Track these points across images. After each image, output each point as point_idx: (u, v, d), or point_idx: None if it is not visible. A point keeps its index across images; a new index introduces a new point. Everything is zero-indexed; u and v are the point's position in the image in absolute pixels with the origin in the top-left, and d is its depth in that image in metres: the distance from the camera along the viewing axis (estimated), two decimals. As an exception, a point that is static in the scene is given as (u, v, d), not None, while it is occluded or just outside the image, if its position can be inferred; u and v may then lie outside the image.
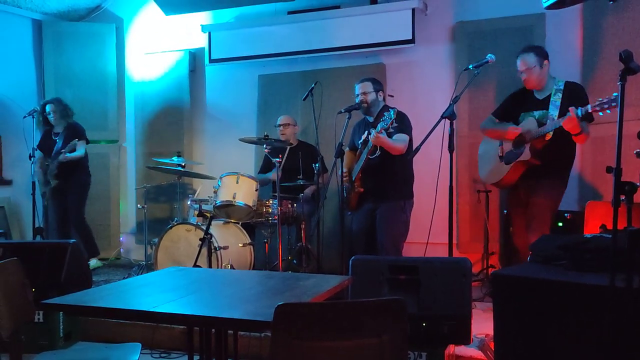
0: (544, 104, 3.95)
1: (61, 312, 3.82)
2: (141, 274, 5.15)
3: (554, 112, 3.83)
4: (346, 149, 4.62)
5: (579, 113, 3.55)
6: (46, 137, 5.85)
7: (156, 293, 2.36)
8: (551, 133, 3.78)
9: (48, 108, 5.77)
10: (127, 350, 2.52)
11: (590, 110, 3.48)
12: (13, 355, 2.35)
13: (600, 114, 3.44)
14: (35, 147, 5.79)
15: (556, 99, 3.87)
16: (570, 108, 3.58)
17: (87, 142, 5.87)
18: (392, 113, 3.96)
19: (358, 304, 1.85)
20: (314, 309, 1.78)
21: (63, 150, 5.52)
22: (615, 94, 3.33)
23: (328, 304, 1.80)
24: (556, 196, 3.98)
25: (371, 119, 4.43)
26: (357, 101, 4.43)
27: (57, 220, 5.85)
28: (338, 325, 1.73)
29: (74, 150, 5.56)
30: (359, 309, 1.78)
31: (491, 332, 2.87)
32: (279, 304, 1.69)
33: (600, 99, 3.40)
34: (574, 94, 3.85)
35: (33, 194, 5.54)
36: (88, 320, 4.12)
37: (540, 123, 3.88)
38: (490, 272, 4.76)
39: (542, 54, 4.02)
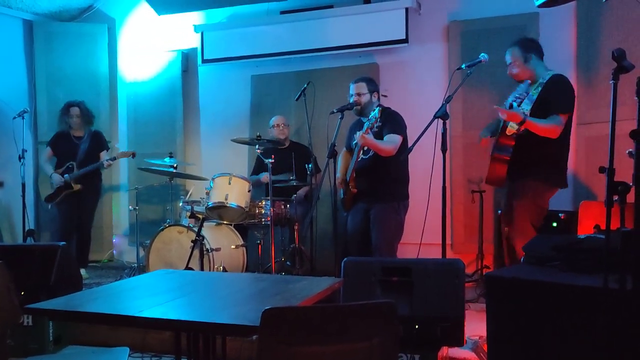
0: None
1: (50, 316, 3.77)
2: (133, 276, 5.11)
3: (526, 106, 3.70)
4: (343, 150, 4.59)
5: (507, 106, 3.63)
6: (64, 139, 5.78)
7: (144, 297, 2.32)
8: (514, 128, 3.66)
9: (74, 111, 5.74)
10: (115, 355, 2.48)
11: (511, 101, 3.57)
12: (-2, 360, 2.31)
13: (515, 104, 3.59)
14: (48, 145, 5.80)
15: (534, 93, 3.77)
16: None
17: (108, 150, 5.91)
18: (376, 112, 3.93)
19: (347, 307, 1.81)
20: (301, 313, 1.75)
21: (109, 162, 5.60)
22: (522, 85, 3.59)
23: (316, 307, 1.77)
24: (534, 196, 3.77)
25: (364, 119, 4.39)
26: (350, 101, 4.38)
27: (65, 225, 5.75)
28: (326, 329, 1.70)
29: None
30: (348, 312, 1.75)
31: (485, 333, 2.84)
32: (266, 308, 1.65)
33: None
34: (549, 88, 3.72)
35: (23, 196, 5.48)
36: (78, 324, 4.07)
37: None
38: (480, 274, 4.73)
39: (529, 48, 3.91)
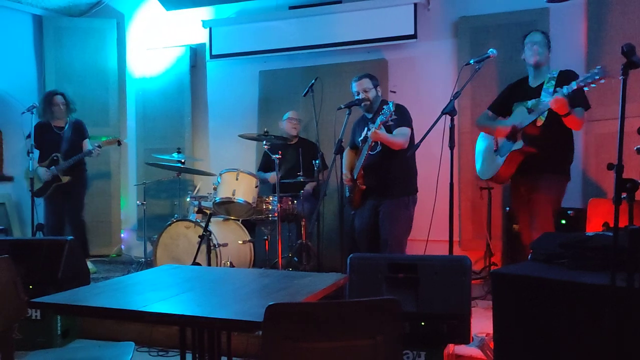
0: (537, 92, 3.88)
1: (58, 310, 3.79)
2: (140, 270, 5.12)
3: (546, 98, 3.73)
4: (347, 149, 4.57)
5: (565, 91, 3.49)
6: (46, 130, 5.70)
7: (148, 291, 2.32)
8: (543, 119, 3.71)
9: (58, 99, 5.67)
10: (121, 350, 2.48)
11: (575, 87, 3.43)
12: (4, 354, 2.31)
13: (586, 88, 3.41)
14: (29, 138, 5.67)
15: (549, 86, 3.80)
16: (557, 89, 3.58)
17: (89, 138, 5.89)
18: (390, 105, 3.91)
19: (351, 303, 1.81)
20: (305, 309, 1.74)
21: (94, 150, 5.53)
22: (598, 67, 3.32)
23: (319, 303, 1.76)
24: (557, 190, 3.88)
25: (370, 115, 4.37)
26: (356, 98, 4.36)
27: (56, 218, 5.75)
28: (330, 325, 1.69)
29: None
30: (352, 309, 1.74)
31: (492, 331, 2.82)
32: (270, 304, 1.65)
33: (585, 75, 3.38)
34: (566, 79, 3.68)
35: (32, 191, 5.50)
36: (86, 318, 4.09)
37: (531, 111, 3.81)
38: (489, 271, 4.71)
39: (549, 42, 4.00)
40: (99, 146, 5.59)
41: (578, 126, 3.79)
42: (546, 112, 3.68)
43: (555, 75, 3.83)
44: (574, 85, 3.44)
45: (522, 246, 4.14)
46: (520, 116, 3.87)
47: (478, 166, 4.33)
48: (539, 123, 3.73)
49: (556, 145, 3.82)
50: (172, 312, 1.89)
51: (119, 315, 1.98)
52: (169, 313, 1.88)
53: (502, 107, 4.16)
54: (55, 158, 5.59)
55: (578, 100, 3.65)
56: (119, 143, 5.79)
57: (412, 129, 4.27)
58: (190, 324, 2.08)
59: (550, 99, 3.59)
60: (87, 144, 5.76)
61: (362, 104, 4.36)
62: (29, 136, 5.65)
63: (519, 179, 3.97)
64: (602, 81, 3.31)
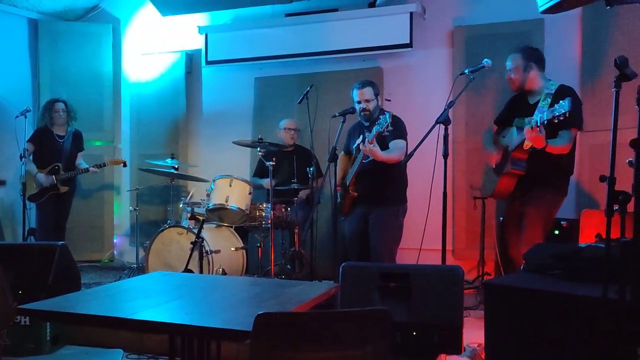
0: (534, 109, 3.75)
1: (47, 315, 3.75)
2: (132, 277, 5.10)
3: (538, 116, 3.53)
4: (341, 153, 4.56)
5: (538, 122, 3.43)
6: (48, 137, 5.70)
7: (138, 299, 2.31)
8: (529, 143, 3.59)
9: (59, 106, 5.70)
10: (109, 357, 2.46)
11: (545, 122, 3.38)
12: (-9, 360, 2.29)
13: (555, 120, 3.36)
14: (30, 141, 5.66)
15: (545, 104, 3.68)
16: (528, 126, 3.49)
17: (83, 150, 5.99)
18: (387, 117, 3.88)
19: (341, 313, 1.80)
20: (295, 318, 1.73)
21: (94, 169, 5.69)
22: (563, 102, 3.29)
23: (309, 313, 1.75)
24: (549, 206, 3.83)
25: (367, 124, 4.35)
26: (357, 107, 4.31)
27: (51, 221, 5.74)
28: (320, 335, 1.68)
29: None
30: (342, 319, 1.73)
31: (484, 341, 2.81)
32: (259, 313, 1.63)
33: (552, 108, 3.37)
34: (561, 99, 3.51)
35: (23, 195, 5.46)
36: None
37: (520, 131, 3.72)
38: (482, 281, 4.70)
39: (531, 57, 3.88)
40: (104, 164, 5.66)
41: (559, 151, 3.67)
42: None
43: (553, 92, 3.72)
44: (544, 121, 3.40)
45: (509, 258, 4.13)
46: (511, 137, 3.85)
47: (484, 182, 4.32)
48: (526, 147, 3.63)
49: (550, 163, 3.71)
50: (160, 320, 1.88)
51: (107, 323, 1.96)
52: (156, 321, 1.86)
53: (504, 121, 4.09)
54: (56, 168, 5.62)
55: (569, 121, 3.49)
56: (125, 164, 5.88)
57: (406, 141, 4.26)
58: (178, 332, 2.06)
59: (525, 130, 3.55)
60: (80, 157, 5.84)
61: (362, 114, 4.33)
62: (29, 139, 5.65)
63: (515, 192, 3.92)
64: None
